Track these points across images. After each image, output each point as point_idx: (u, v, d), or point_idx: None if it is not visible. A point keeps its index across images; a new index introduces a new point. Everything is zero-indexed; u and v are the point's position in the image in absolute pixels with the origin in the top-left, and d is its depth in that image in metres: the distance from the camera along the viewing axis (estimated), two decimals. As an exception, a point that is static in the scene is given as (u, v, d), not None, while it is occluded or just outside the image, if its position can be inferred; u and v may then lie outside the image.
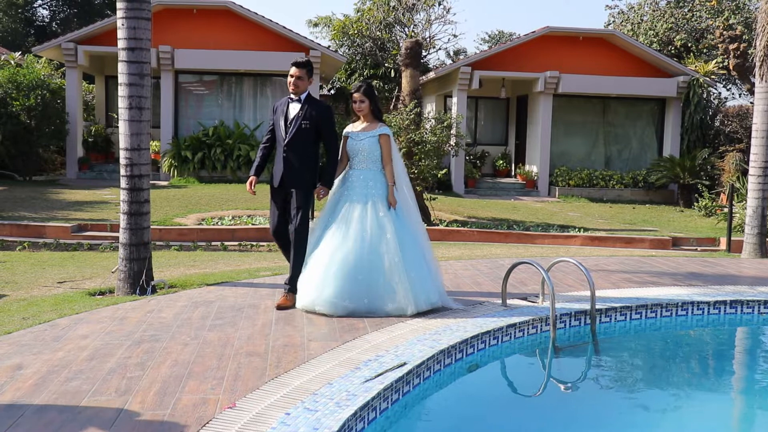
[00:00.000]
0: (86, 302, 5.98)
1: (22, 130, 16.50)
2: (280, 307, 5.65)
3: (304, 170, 5.74)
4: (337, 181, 5.87)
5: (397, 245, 5.50)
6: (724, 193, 17.08)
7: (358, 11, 25.43)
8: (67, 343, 4.65)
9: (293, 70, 5.74)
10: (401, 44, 15.47)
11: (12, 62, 17.77)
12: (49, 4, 37.94)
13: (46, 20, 37.64)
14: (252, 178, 5.99)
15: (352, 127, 5.94)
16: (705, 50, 23.72)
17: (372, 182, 5.72)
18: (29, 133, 16.66)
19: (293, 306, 5.67)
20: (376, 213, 5.60)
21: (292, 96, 5.80)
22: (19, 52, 19.89)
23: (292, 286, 5.73)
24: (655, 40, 24.65)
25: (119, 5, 6.38)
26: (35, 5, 37.18)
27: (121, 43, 6.39)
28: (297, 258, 5.71)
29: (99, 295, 6.45)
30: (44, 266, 8.56)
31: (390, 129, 5.97)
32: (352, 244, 5.47)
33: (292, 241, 5.74)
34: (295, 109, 5.77)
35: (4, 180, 16.56)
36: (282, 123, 5.77)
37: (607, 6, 28.93)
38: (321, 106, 5.86)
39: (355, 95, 5.86)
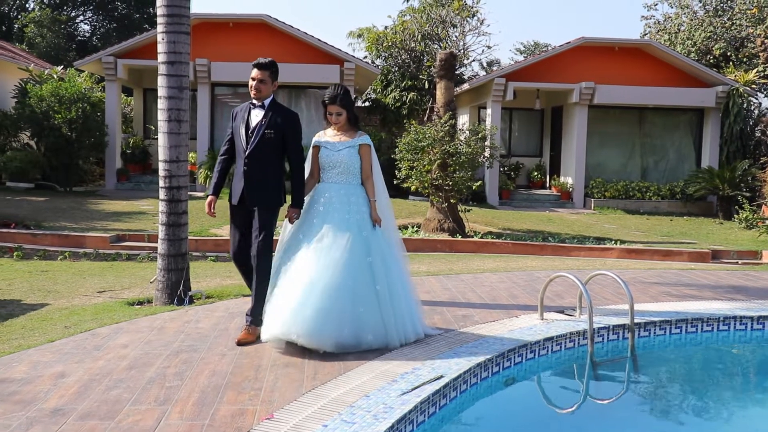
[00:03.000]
0: (125, 312, 6.08)
1: (64, 142, 16.92)
2: (241, 343, 4.93)
3: (268, 186, 5.10)
4: (306, 198, 5.17)
5: (383, 269, 4.87)
6: (765, 204, 16.70)
7: (397, 19, 25.41)
8: (108, 352, 4.73)
9: (254, 73, 5.10)
10: (436, 56, 15.47)
11: (55, 76, 18.22)
12: (90, 19, 38.90)
13: (87, 35, 38.56)
14: (210, 198, 5.30)
15: (324, 135, 5.22)
16: (745, 59, 23.28)
17: (354, 198, 5.02)
18: (70, 145, 17.06)
19: (257, 340, 4.97)
20: (360, 233, 4.89)
21: (255, 102, 5.16)
22: (62, 66, 20.36)
23: (254, 318, 5.03)
24: (693, 49, 24.29)
25: (159, 20, 6.51)
26: (77, 21, 38.13)
27: (161, 57, 6.51)
28: (260, 286, 5.02)
29: (137, 304, 6.55)
30: (84, 276, 8.73)
31: (370, 138, 5.23)
32: (334, 270, 4.70)
33: (254, 266, 5.06)
34: (257, 116, 5.12)
35: (45, 191, 16.96)
36: (243, 132, 5.12)
37: (642, 17, 28.65)
38: (287, 113, 5.19)
39: (331, 107, 5.07)
